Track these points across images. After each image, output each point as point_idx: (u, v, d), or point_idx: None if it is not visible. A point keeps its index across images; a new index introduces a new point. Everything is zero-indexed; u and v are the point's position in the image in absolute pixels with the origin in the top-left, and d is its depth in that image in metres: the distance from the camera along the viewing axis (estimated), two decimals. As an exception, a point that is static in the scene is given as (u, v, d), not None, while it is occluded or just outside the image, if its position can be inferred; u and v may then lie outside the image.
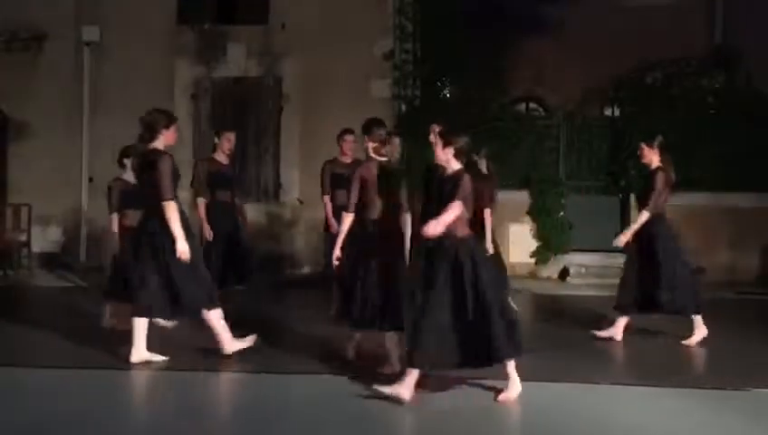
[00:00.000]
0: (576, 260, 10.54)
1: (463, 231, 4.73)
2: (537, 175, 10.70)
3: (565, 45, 12.71)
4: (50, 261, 10.74)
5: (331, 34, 10.49)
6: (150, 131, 5.46)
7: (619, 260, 10.50)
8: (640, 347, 6.75)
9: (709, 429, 4.45)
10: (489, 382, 5.10)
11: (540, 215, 10.64)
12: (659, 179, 6.44)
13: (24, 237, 10.33)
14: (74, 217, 10.87)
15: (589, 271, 10.40)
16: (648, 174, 6.60)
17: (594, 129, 10.98)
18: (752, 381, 5.25)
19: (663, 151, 6.55)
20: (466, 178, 4.70)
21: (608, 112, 11.23)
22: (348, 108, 9.70)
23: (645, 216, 6.42)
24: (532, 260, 10.66)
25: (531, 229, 10.68)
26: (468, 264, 4.65)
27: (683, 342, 6.46)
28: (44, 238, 10.73)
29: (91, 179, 10.85)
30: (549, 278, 10.56)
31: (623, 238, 6.50)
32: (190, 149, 10.77)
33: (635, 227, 6.50)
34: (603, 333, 6.60)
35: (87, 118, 10.86)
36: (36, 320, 7.63)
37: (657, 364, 5.90)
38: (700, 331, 6.47)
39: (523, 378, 5.35)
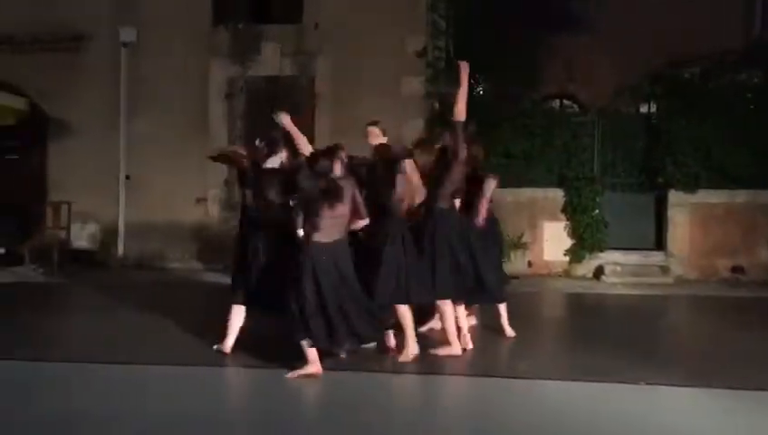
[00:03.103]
0: (611, 258, 10.43)
1: None
2: (572, 172, 10.59)
3: (598, 41, 12.57)
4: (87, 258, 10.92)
5: (363, 33, 10.52)
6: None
7: (656, 259, 10.57)
8: (672, 347, 6.67)
9: (737, 430, 4.40)
10: (519, 380, 5.10)
11: (575, 213, 10.54)
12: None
13: (63, 235, 10.53)
14: (112, 215, 11.05)
15: (624, 269, 10.29)
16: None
17: (629, 125, 10.83)
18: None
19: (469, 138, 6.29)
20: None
21: (643, 109, 11.06)
22: (381, 105, 9.71)
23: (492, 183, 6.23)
24: (567, 258, 10.58)
25: (566, 227, 10.59)
26: None
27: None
28: (83, 235, 10.92)
29: (128, 177, 11.03)
30: (584, 277, 10.46)
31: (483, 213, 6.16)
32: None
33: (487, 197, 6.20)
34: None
35: (124, 117, 11.04)
36: (76, 316, 7.79)
37: (691, 364, 5.80)
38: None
39: (557, 377, 5.34)
